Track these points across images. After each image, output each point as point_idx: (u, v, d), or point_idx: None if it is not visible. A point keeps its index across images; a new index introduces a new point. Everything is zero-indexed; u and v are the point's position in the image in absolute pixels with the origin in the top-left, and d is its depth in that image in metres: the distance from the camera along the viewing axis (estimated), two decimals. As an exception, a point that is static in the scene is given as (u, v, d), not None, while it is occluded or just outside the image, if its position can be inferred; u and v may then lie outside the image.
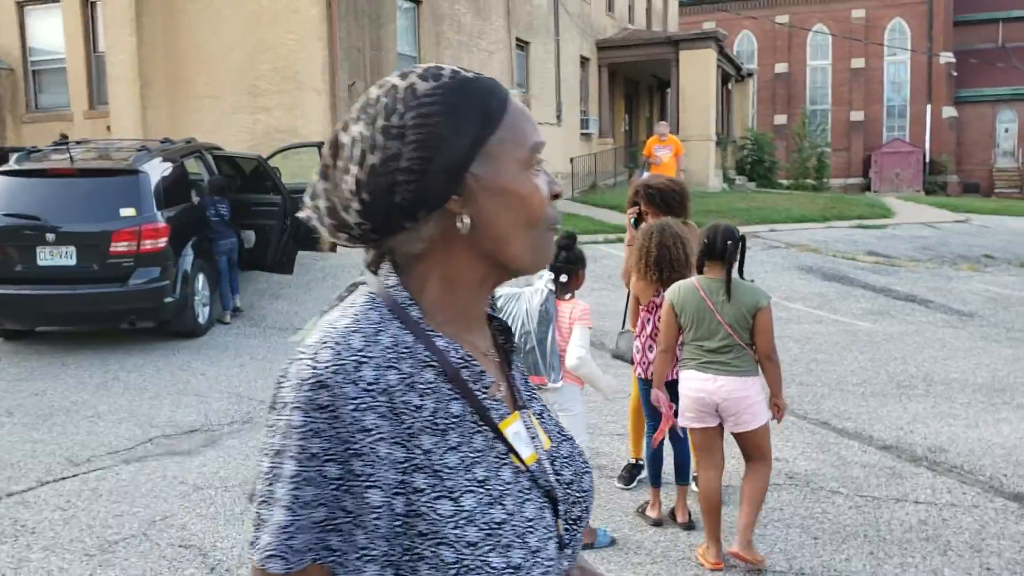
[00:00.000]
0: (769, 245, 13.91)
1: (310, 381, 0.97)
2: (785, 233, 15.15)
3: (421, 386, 1.01)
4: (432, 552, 0.98)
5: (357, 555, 0.98)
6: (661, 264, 4.19)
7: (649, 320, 4.47)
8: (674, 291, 4.00)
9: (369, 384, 0.97)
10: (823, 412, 6.32)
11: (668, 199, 4.67)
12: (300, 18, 13.46)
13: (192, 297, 8.32)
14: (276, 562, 0.97)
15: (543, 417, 1.18)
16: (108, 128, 14.10)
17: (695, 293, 3.93)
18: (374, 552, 0.98)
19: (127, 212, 7.72)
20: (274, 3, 13.54)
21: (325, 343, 0.99)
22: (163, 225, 7.90)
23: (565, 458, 1.15)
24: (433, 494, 0.98)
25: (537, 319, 3.94)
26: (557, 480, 1.11)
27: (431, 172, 1.01)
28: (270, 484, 0.98)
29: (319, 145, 10.10)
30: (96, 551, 4.08)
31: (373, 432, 0.96)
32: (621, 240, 13.09)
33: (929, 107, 42.84)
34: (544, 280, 4.02)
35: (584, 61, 24.75)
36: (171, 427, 6.00)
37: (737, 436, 3.99)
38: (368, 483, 0.97)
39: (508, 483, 1.03)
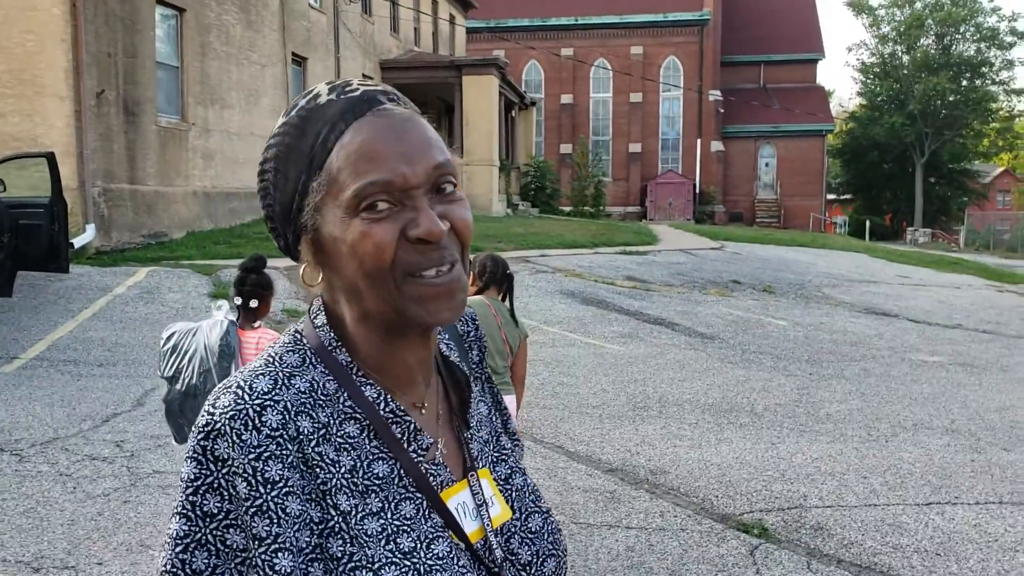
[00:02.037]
0: (538, 270, 14.15)
1: (205, 430, 0.87)
2: (555, 258, 15.49)
3: (339, 439, 0.91)
4: None
5: None
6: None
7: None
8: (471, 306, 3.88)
9: (273, 430, 0.86)
10: (559, 435, 6.35)
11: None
12: (39, 17, 12.35)
13: None
14: None
15: (508, 482, 1.05)
16: None
17: (488, 312, 3.87)
18: None
19: None
20: (8, 0, 12.36)
21: (228, 387, 0.90)
22: None
23: (530, 534, 1.02)
24: (350, 564, 0.88)
25: (218, 354, 3.61)
26: (511, 559, 1.00)
27: (275, 218, 0.96)
28: (164, 551, 0.88)
29: (49, 156, 9.24)
30: None
31: (280, 485, 0.86)
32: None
33: (699, 141, 45.71)
34: (223, 311, 3.71)
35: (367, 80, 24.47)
36: None
37: None
38: (275, 546, 0.85)
39: (440, 558, 0.91)
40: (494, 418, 1.11)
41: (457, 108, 26.06)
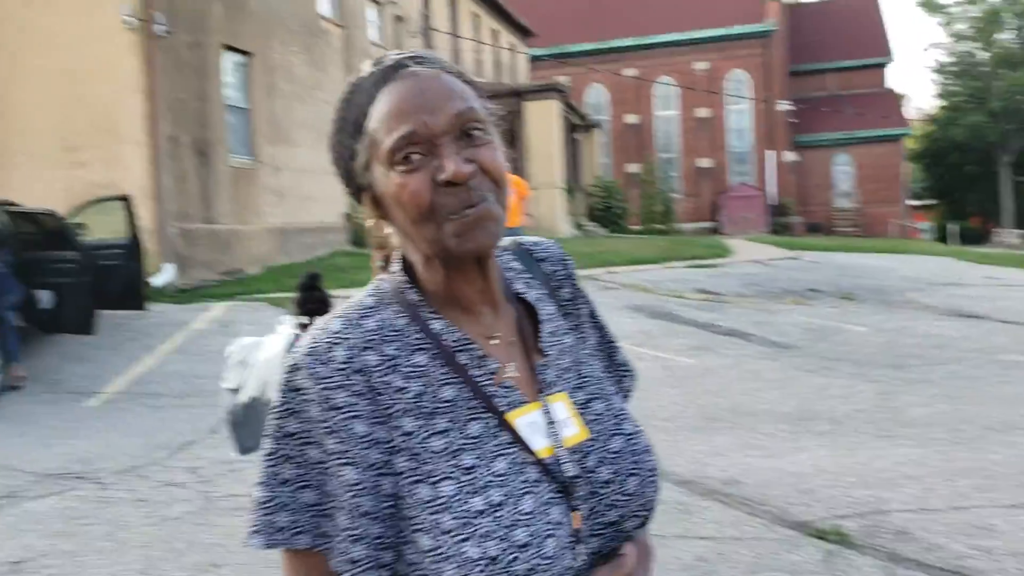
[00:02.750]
0: (604, 287, 14.05)
1: (289, 365, 1.03)
2: (622, 275, 15.38)
3: (407, 368, 1.02)
4: (414, 536, 0.98)
5: (342, 536, 0.99)
6: None
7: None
8: None
9: (341, 364, 1.00)
10: (629, 450, 6.25)
11: None
12: (117, 71, 12.89)
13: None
14: (257, 538, 1.02)
15: (587, 407, 1.11)
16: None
17: None
18: (358, 532, 0.98)
19: None
20: (89, 57, 12.92)
21: (311, 332, 1.05)
22: (-69, 286, 7.24)
23: (610, 454, 1.09)
24: (412, 477, 0.99)
25: (282, 367, 3.67)
26: (587, 476, 1.06)
27: (346, 184, 1.11)
28: (260, 466, 1.03)
29: (125, 198, 9.59)
30: None
31: (346, 410, 0.99)
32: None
33: (771, 153, 45.02)
34: (288, 324, 3.77)
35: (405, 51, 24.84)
36: (-84, 510, 5.38)
37: None
38: (343, 460, 0.99)
39: (500, 474, 1.00)
40: (581, 348, 1.19)
41: (519, 134, 26.21)
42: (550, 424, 1.06)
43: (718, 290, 14.18)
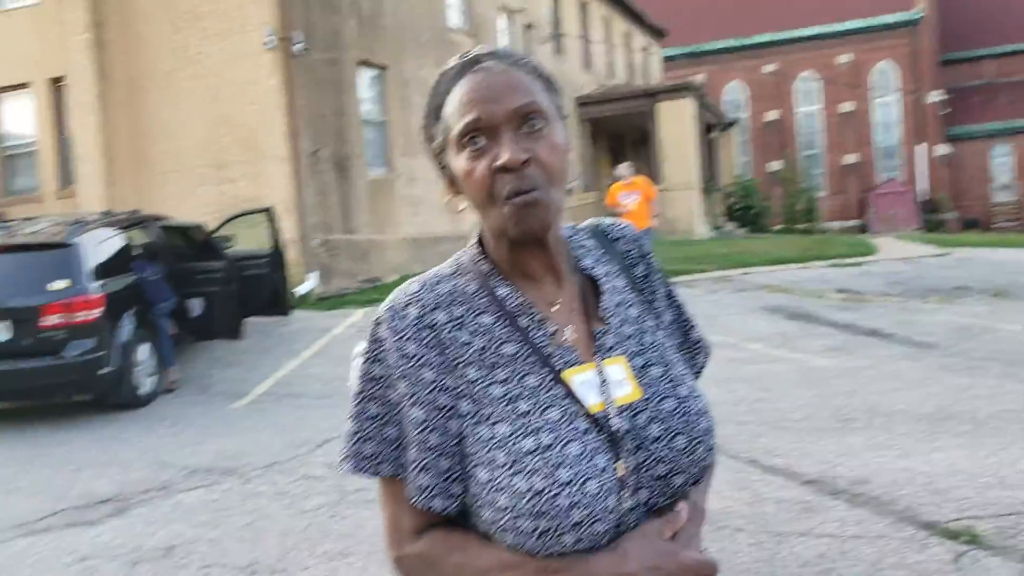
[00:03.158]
0: (739, 288, 13.77)
1: (374, 319, 1.20)
2: (759, 275, 15.02)
3: (472, 326, 1.17)
4: (474, 470, 1.13)
5: (412, 467, 1.14)
6: None
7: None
8: None
9: (414, 320, 1.16)
10: (754, 450, 6.14)
11: None
12: (260, 89, 13.65)
13: (131, 368, 8.25)
14: (345, 464, 1.20)
15: (644, 370, 1.21)
16: (76, 207, 14.23)
17: None
18: (425, 464, 1.13)
19: (59, 285, 7.73)
20: (233, 76, 13.74)
21: (394, 292, 1.22)
22: (96, 296, 7.89)
23: (662, 413, 1.17)
24: (474, 419, 1.14)
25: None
26: (636, 432, 1.15)
27: (433, 161, 1.25)
28: (350, 404, 1.21)
29: (268, 211, 10.13)
30: (-47, 627, 3.95)
31: (415, 358, 1.14)
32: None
33: (921, 147, 42.89)
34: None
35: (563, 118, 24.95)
36: (83, 498, 5.88)
37: None
38: (412, 401, 1.14)
39: (552, 421, 1.11)
40: (647, 320, 1.28)
41: (653, 135, 25.99)
42: (603, 383, 1.17)
43: (860, 289, 13.66)
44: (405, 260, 16.09)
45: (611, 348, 1.21)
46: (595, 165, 27.13)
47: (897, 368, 8.66)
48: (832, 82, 42.80)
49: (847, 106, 44.05)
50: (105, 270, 8.20)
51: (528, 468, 1.08)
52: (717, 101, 39.87)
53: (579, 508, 1.07)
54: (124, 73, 14.28)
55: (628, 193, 13.17)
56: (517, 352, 1.16)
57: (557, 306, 1.22)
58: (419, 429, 1.14)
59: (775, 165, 43.51)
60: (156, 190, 14.13)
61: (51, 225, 8.79)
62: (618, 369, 1.19)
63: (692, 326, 1.41)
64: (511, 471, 1.09)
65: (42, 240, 8.14)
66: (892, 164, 44.07)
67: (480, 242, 1.25)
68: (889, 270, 15.71)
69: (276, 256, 9.90)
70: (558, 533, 1.07)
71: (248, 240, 10.83)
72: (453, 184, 1.21)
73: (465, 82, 1.17)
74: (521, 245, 1.19)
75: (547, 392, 1.14)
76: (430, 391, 1.14)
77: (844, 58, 44.00)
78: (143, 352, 8.53)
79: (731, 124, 34.20)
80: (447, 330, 1.16)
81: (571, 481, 1.08)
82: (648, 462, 1.14)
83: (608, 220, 1.39)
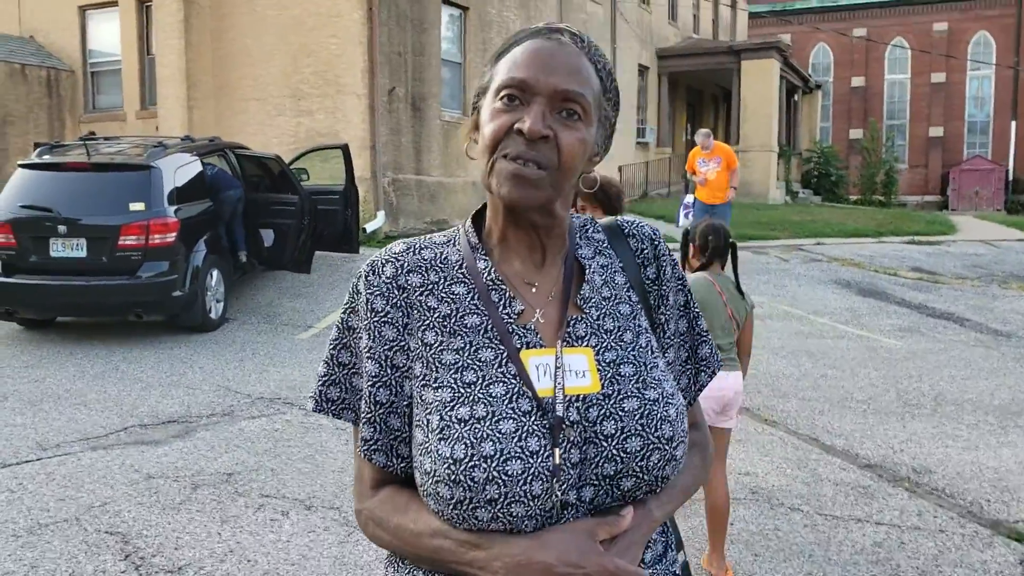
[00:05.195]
0: (811, 258, 13.49)
1: (356, 273, 1.23)
2: (832, 247, 14.68)
3: (444, 294, 1.18)
4: (414, 431, 1.14)
5: (362, 418, 1.19)
6: None
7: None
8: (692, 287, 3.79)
9: (387, 278, 1.18)
10: (816, 428, 6.05)
11: (607, 190, 4.49)
12: (342, 23, 13.61)
13: (203, 292, 8.42)
14: (311, 402, 1.24)
15: (613, 366, 1.17)
16: (156, 128, 14.46)
17: (711, 289, 3.74)
18: (371, 417, 1.17)
19: (136, 207, 7.86)
20: (316, 8, 13.72)
21: (382, 249, 1.25)
22: (173, 220, 8.02)
23: (620, 411, 1.14)
24: (423, 381, 1.14)
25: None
26: (588, 426, 1.12)
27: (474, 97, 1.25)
28: (325, 349, 1.24)
29: (343, 147, 10.15)
30: (24, 533, 4.11)
31: (380, 314, 1.17)
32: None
33: (1015, 123, 41.22)
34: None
35: (643, 70, 24.50)
36: (150, 417, 6.06)
37: (718, 434, 3.83)
38: (368, 354, 1.17)
39: (494, 396, 1.10)
40: (639, 320, 1.24)
41: (735, 94, 25.38)
42: (559, 370, 1.14)
43: (935, 270, 13.27)
44: (472, 204, 16.00)
45: (581, 338, 1.18)
46: (671, 121, 26.63)
47: (969, 355, 8.42)
48: (924, 51, 41.18)
49: (938, 77, 42.48)
50: (182, 194, 8.32)
51: (455, 435, 1.08)
52: (803, 63, 38.71)
53: (495, 485, 1.06)
54: (210, -3, 14.36)
55: (707, 160, 12.01)
56: (480, 325, 1.16)
57: (535, 287, 1.21)
58: (371, 383, 1.16)
59: (856, 133, 42.27)
60: (235, 116, 14.27)
61: (132, 147, 8.93)
62: (581, 359, 1.16)
63: (704, 340, 1.35)
64: (440, 436, 1.09)
65: (122, 161, 8.27)
66: (981, 140, 42.49)
67: (479, 215, 1.26)
68: (968, 251, 15.23)
69: (349, 193, 9.94)
70: (472, 506, 1.06)
71: (321, 174, 10.89)
72: (477, 128, 1.20)
73: (533, 43, 1.17)
74: (513, 218, 1.18)
75: (498, 368, 1.13)
76: (388, 348, 1.16)
77: (939, 26, 42.28)
78: (214, 278, 8.69)
79: (816, 88, 33.20)
80: (418, 293, 1.18)
81: (492, 456, 1.06)
82: (596, 458, 1.11)
83: (629, 218, 1.35)
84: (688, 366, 1.33)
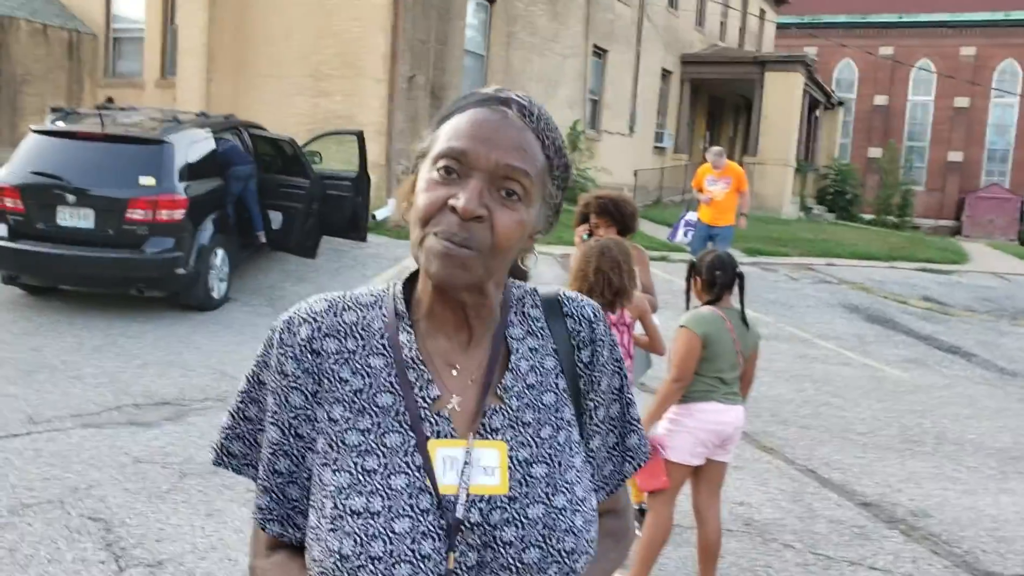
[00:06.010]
0: (820, 279, 13.39)
1: (273, 325, 1.15)
2: (843, 269, 14.58)
3: (359, 365, 1.10)
4: (309, 509, 1.08)
5: (258, 483, 1.13)
6: (593, 292, 3.83)
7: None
8: (700, 321, 3.70)
9: (302, 340, 1.10)
10: (813, 459, 5.97)
11: (622, 209, 4.39)
12: (365, 6, 13.51)
13: (207, 271, 8.36)
14: (213, 454, 1.18)
15: (525, 466, 1.09)
16: (175, 99, 14.39)
17: (723, 325, 3.69)
18: (268, 485, 1.12)
19: (147, 181, 7.79)
20: (342, -11, 13.62)
21: (305, 300, 1.17)
22: (182, 197, 7.95)
23: (523, 518, 1.07)
24: (323, 459, 1.07)
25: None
26: (488, 530, 1.05)
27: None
28: (234, 399, 1.18)
29: (359, 134, 10.08)
30: (6, 512, 4.06)
31: (289, 378, 1.10)
32: (665, 259, 12.76)
33: (1034, 154, 41.01)
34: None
35: (666, 74, 24.36)
36: (144, 397, 6.01)
37: (714, 467, 3.81)
38: (272, 420, 1.11)
39: (392, 489, 1.04)
40: (562, 411, 1.15)
41: (756, 105, 25.24)
42: (466, 465, 1.07)
43: (946, 300, 13.16)
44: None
45: (496, 430, 1.10)
46: (691, 128, 26.49)
47: (974, 392, 8.33)
48: (949, 75, 40.92)
49: (962, 101, 42.27)
50: (193, 171, 8.25)
51: (346, 529, 1.02)
52: (827, 78, 38.50)
53: None
54: (236, -29, 14.26)
55: (716, 179, 11.36)
56: (391, 406, 1.08)
57: (456, 369, 1.12)
58: (271, 450, 1.11)
59: (875, 152, 42.06)
60: (253, 92, 14.18)
61: (146, 119, 8.86)
62: (492, 455, 1.08)
63: (634, 430, 1.26)
64: (331, 526, 1.03)
65: (136, 134, 8.19)
66: (999, 169, 42.29)
67: (412, 279, 1.17)
68: (979, 283, 15.10)
69: (361, 180, 9.86)
70: None
71: (335, 157, 10.81)
72: (413, 192, 1.11)
73: (478, 113, 1.08)
74: (440, 295, 1.10)
75: (403, 457, 1.06)
76: (294, 416, 1.10)
77: (967, 51, 42.04)
78: (219, 257, 8.63)
79: (838, 104, 33.02)
80: (332, 361, 1.10)
81: (381, 558, 1.01)
82: (493, 564, 1.05)
83: (571, 294, 1.24)
84: (615, 452, 1.25)
